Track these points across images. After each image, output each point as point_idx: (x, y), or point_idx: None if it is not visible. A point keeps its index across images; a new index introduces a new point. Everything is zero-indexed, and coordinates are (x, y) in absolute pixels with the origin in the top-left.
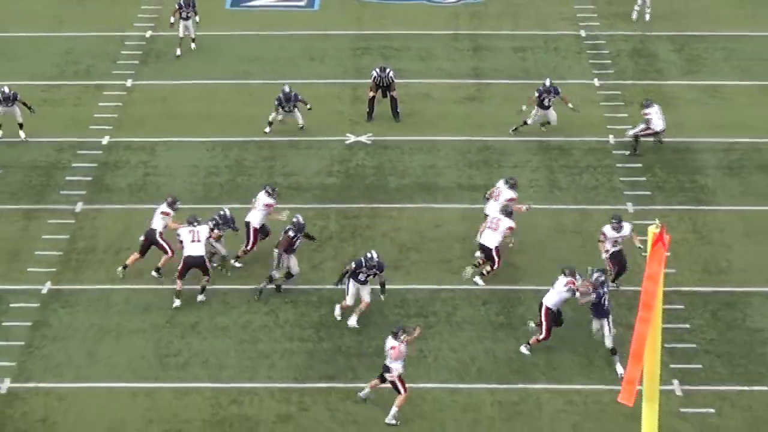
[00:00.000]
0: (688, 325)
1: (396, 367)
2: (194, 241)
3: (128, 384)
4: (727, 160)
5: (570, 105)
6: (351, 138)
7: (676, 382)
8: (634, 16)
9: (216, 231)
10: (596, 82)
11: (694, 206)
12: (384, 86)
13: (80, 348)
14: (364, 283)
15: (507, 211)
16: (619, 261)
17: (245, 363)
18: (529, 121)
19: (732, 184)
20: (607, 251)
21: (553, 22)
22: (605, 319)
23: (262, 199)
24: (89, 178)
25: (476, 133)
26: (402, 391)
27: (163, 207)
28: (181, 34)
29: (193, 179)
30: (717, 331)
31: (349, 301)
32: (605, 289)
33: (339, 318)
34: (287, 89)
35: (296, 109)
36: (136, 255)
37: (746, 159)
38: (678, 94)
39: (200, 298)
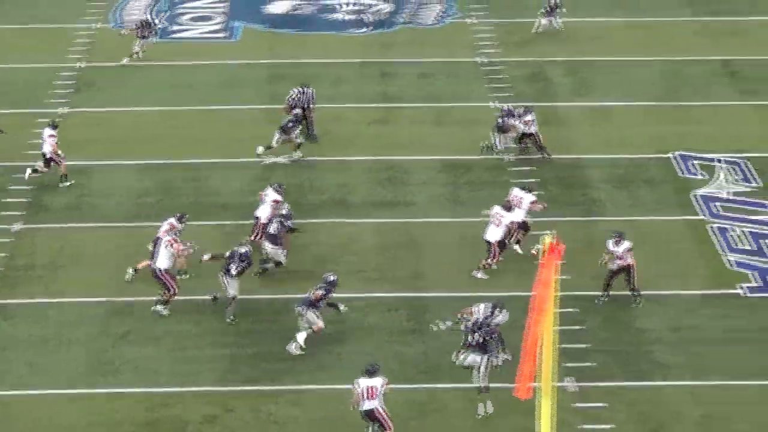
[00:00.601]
0: (581, 327)
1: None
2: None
3: (66, 390)
4: (616, 174)
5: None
6: (268, 159)
7: (570, 379)
8: (535, 29)
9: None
10: (495, 105)
11: (586, 217)
12: (303, 107)
13: (21, 358)
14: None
15: (507, 207)
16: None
17: (174, 369)
18: (499, 146)
19: (621, 197)
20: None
21: (455, 50)
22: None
23: (271, 195)
24: (27, 200)
25: (384, 153)
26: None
27: (172, 220)
28: (136, 49)
29: (126, 200)
30: (608, 332)
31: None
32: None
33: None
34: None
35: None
36: (146, 261)
37: (633, 174)
38: (570, 115)
39: (157, 308)
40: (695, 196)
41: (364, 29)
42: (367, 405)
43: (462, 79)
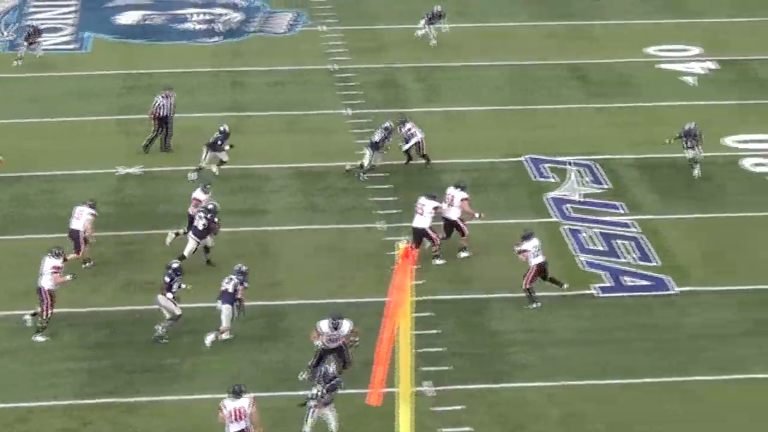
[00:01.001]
0: (437, 331)
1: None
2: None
3: None
4: (469, 178)
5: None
6: (122, 170)
7: (428, 383)
8: (419, 33)
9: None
10: (347, 111)
11: (441, 222)
12: (162, 116)
13: None
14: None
15: (430, 195)
16: (543, 269)
17: (31, 383)
18: (367, 164)
19: (474, 201)
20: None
21: (305, 58)
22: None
23: (195, 193)
24: None
25: (238, 161)
26: None
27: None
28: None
29: None
30: (464, 335)
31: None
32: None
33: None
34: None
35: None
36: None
37: (485, 178)
38: (422, 121)
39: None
40: (547, 198)
41: (216, 38)
42: (235, 427)
43: (313, 87)
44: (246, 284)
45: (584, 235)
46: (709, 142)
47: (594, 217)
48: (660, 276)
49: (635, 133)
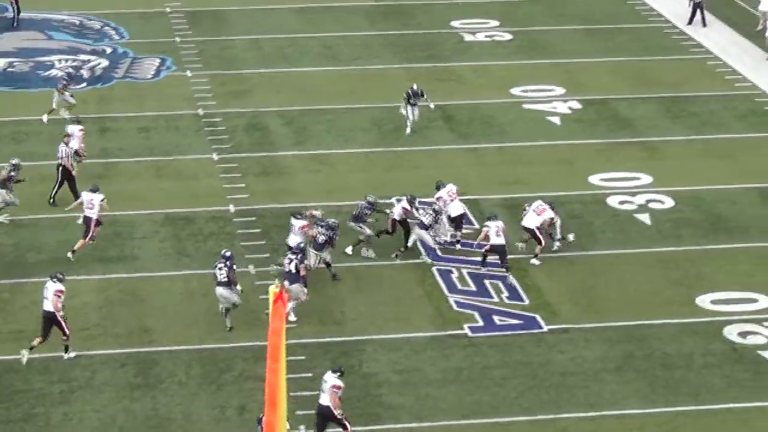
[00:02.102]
0: (310, 374)
1: None
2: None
3: None
4: (337, 221)
5: None
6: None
7: (302, 427)
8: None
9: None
10: (214, 156)
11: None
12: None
13: None
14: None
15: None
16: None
17: None
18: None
19: (344, 243)
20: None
21: (173, 103)
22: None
23: (296, 223)
24: None
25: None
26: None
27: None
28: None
29: None
30: None
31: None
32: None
33: None
34: None
35: None
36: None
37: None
38: (289, 163)
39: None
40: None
41: (82, 85)
42: None
43: (181, 132)
44: (234, 267)
45: (455, 275)
46: (575, 181)
47: (464, 257)
48: (530, 314)
49: (503, 173)
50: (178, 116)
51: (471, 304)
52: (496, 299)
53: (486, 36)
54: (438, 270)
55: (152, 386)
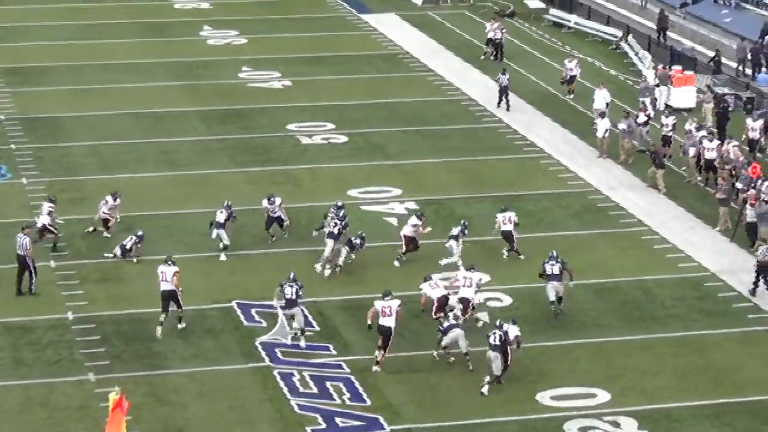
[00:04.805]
0: None
1: None
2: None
3: None
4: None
5: None
6: None
7: None
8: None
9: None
10: (52, 263)
11: (150, 372)
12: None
13: None
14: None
15: None
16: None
17: None
18: None
19: (183, 348)
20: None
21: (8, 210)
22: None
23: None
24: None
25: None
26: None
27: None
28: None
29: None
30: None
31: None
32: None
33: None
34: None
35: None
36: None
37: (195, 324)
38: (129, 269)
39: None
40: (258, 343)
41: None
42: None
43: None
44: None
45: (296, 378)
46: (418, 280)
47: (305, 360)
48: (372, 415)
49: (341, 275)
50: (14, 224)
51: (313, 406)
52: (338, 401)
53: (322, 138)
54: (279, 373)
55: None
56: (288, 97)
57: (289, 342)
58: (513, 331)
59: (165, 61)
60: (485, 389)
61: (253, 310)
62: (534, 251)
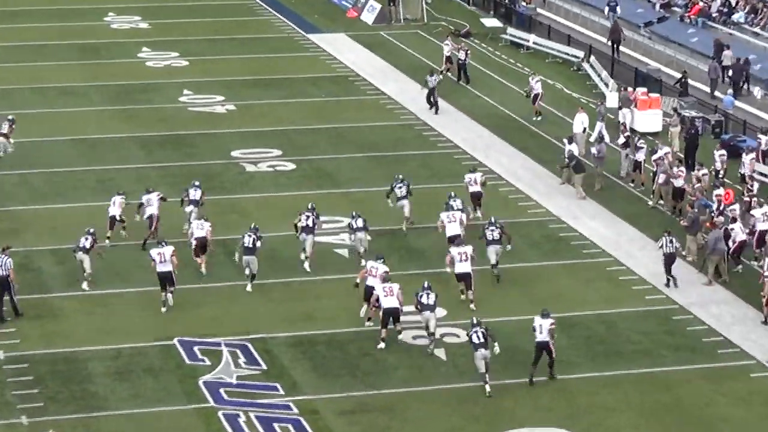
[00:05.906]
0: None
1: None
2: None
3: None
4: (115, 366)
5: None
6: None
7: None
8: None
9: None
10: None
11: (87, 414)
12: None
13: None
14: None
15: None
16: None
17: None
18: None
19: (121, 389)
20: None
21: None
22: None
23: None
24: None
25: None
26: None
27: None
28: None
29: None
30: None
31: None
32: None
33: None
34: None
35: None
36: None
37: (133, 363)
38: (64, 306)
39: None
40: (202, 382)
41: None
42: None
43: None
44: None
45: (242, 419)
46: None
47: (251, 401)
48: None
49: (289, 311)
50: None
51: None
52: None
53: (268, 166)
54: (224, 414)
55: None
56: (232, 122)
57: (232, 381)
58: (546, 324)
59: (101, 85)
60: (488, 388)
61: (195, 348)
62: (490, 283)
